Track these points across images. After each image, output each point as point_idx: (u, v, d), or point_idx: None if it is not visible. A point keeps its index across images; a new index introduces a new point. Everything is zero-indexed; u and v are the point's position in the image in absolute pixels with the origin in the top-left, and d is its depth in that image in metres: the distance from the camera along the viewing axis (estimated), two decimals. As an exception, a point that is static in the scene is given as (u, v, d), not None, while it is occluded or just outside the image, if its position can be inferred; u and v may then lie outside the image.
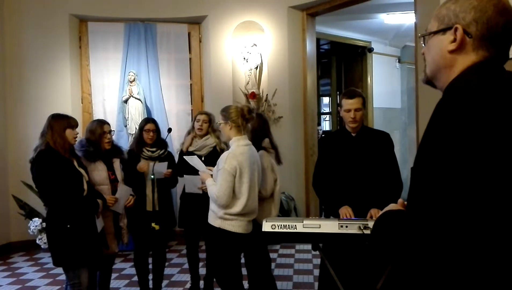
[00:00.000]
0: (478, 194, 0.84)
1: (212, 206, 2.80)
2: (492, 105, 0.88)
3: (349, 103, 2.71)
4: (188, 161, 3.14)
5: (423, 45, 1.14)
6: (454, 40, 1.03)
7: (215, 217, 2.77)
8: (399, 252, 0.96)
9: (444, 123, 0.90)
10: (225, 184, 2.66)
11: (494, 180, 0.84)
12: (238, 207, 2.72)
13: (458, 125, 0.87)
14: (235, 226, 2.74)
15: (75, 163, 2.87)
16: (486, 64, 1.02)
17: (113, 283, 3.86)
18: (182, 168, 3.52)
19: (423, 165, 0.93)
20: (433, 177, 0.89)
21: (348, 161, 2.73)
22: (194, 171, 3.29)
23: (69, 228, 2.72)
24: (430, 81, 1.13)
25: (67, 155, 2.81)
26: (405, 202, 1.13)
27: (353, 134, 2.78)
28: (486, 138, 0.85)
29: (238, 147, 2.76)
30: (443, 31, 1.05)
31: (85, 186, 2.86)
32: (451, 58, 1.05)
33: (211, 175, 2.88)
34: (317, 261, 4.39)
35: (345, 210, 2.62)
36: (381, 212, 1.14)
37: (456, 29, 1.02)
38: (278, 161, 3.24)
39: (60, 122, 2.82)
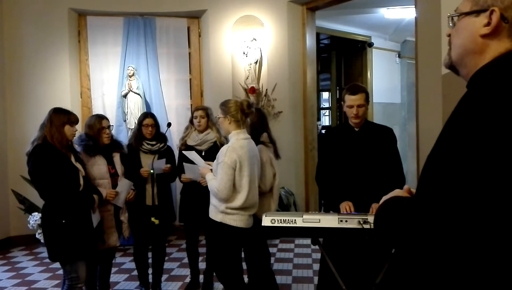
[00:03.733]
0: (494, 195, 0.79)
1: (213, 200, 2.80)
2: None
3: (351, 99, 2.69)
4: (187, 155, 3.14)
5: (450, 25, 1.04)
6: (488, 24, 0.94)
7: (216, 212, 2.77)
8: (402, 239, 0.92)
9: (469, 117, 0.83)
10: (226, 178, 2.66)
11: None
12: (239, 201, 2.72)
13: (484, 122, 0.80)
14: (237, 220, 2.74)
15: (72, 158, 2.86)
16: None
17: (113, 277, 3.87)
18: (182, 164, 3.52)
19: (441, 156, 0.87)
20: (449, 171, 0.83)
21: (351, 156, 2.72)
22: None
23: (64, 223, 2.72)
24: (453, 66, 1.04)
25: (64, 150, 2.80)
26: (411, 189, 1.09)
27: (356, 129, 2.77)
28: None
29: (238, 141, 2.75)
30: (477, 12, 0.96)
31: (81, 181, 2.85)
32: (483, 43, 0.96)
33: (211, 170, 2.88)
34: (317, 255, 4.40)
35: (346, 204, 2.62)
36: (385, 197, 1.09)
37: (492, 12, 0.93)
38: (277, 155, 3.23)
39: (60, 117, 2.81)
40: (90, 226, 2.87)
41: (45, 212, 2.81)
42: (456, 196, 0.81)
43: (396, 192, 1.11)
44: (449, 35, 1.05)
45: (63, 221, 2.72)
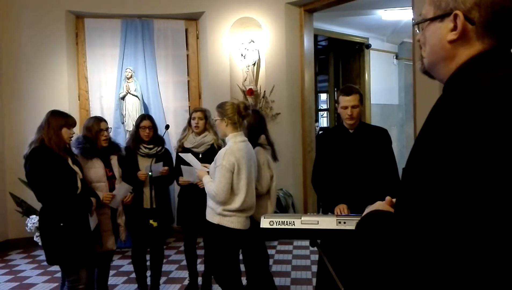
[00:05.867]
0: (474, 204, 0.74)
1: (210, 203, 2.80)
2: (497, 108, 0.76)
3: (346, 100, 2.71)
4: (183, 158, 3.14)
5: (417, 31, 1.00)
6: (454, 28, 0.88)
7: (213, 214, 2.77)
8: (383, 257, 0.86)
9: (442, 126, 0.79)
10: (224, 181, 2.66)
11: (493, 190, 0.74)
12: (236, 203, 2.72)
13: (458, 129, 0.76)
14: (234, 222, 2.74)
15: (70, 161, 2.85)
16: (490, 54, 0.88)
17: (111, 280, 3.86)
18: (179, 167, 3.53)
19: (416, 168, 0.83)
20: (426, 182, 0.79)
21: (346, 158, 2.73)
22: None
23: (62, 226, 2.71)
24: (427, 72, 1.01)
25: (61, 153, 2.80)
26: (393, 200, 1.03)
27: (351, 131, 2.78)
28: (489, 145, 0.74)
29: (235, 144, 2.75)
30: (441, 18, 0.91)
31: (79, 184, 2.85)
32: (452, 49, 0.90)
33: (208, 172, 2.88)
34: (315, 257, 4.40)
35: (339, 208, 2.63)
36: (366, 211, 1.04)
37: (455, 16, 0.88)
38: (274, 157, 3.23)
39: (57, 120, 2.80)
40: (88, 229, 2.87)
41: (43, 215, 2.80)
42: (432, 210, 0.77)
43: (378, 205, 1.05)
44: (418, 40, 1.00)
45: (61, 224, 2.71)
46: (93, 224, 2.94)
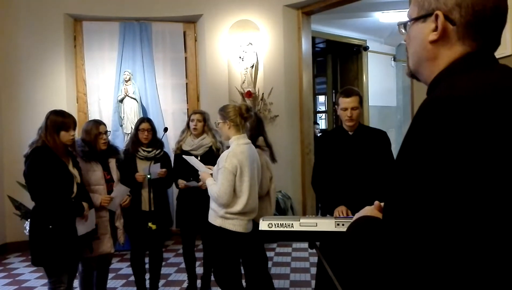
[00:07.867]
0: (461, 208, 0.74)
1: (213, 205, 2.80)
2: (475, 117, 0.75)
3: (346, 102, 2.72)
4: (187, 160, 3.14)
5: (403, 31, 1.00)
6: (436, 29, 0.88)
7: (215, 216, 2.77)
8: (373, 264, 0.86)
9: (423, 134, 0.78)
10: (226, 183, 2.67)
11: (478, 194, 0.73)
12: (239, 206, 2.72)
13: (437, 138, 0.75)
14: (236, 225, 2.74)
15: (70, 164, 2.84)
16: (472, 57, 0.88)
17: (110, 283, 3.85)
18: (178, 169, 3.53)
19: (399, 176, 0.82)
20: (408, 189, 0.78)
21: (345, 160, 2.74)
22: (191, 172, 3.29)
23: (51, 229, 2.70)
24: (413, 75, 1.00)
25: (61, 155, 2.78)
26: (382, 205, 1.02)
27: (350, 133, 2.79)
28: (466, 153, 0.74)
29: (238, 146, 2.76)
30: (423, 18, 0.91)
31: (75, 188, 2.83)
32: (433, 50, 0.91)
33: (211, 175, 2.89)
34: (314, 259, 4.41)
35: (339, 210, 2.63)
36: (355, 217, 1.04)
37: (436, 16, 0.88)
38: (273, 159, 3.24)
39: (55, 122, 2.78)
40: (75, 234, 2.83)
41: (34, 215, 2.79)
42: (416, 217, 0.77)
43: (366, 210, 1.05)
44: (405, 41, 1.00)
45: (50, 226, 2.70)
46: (85, 230, 2.90)
